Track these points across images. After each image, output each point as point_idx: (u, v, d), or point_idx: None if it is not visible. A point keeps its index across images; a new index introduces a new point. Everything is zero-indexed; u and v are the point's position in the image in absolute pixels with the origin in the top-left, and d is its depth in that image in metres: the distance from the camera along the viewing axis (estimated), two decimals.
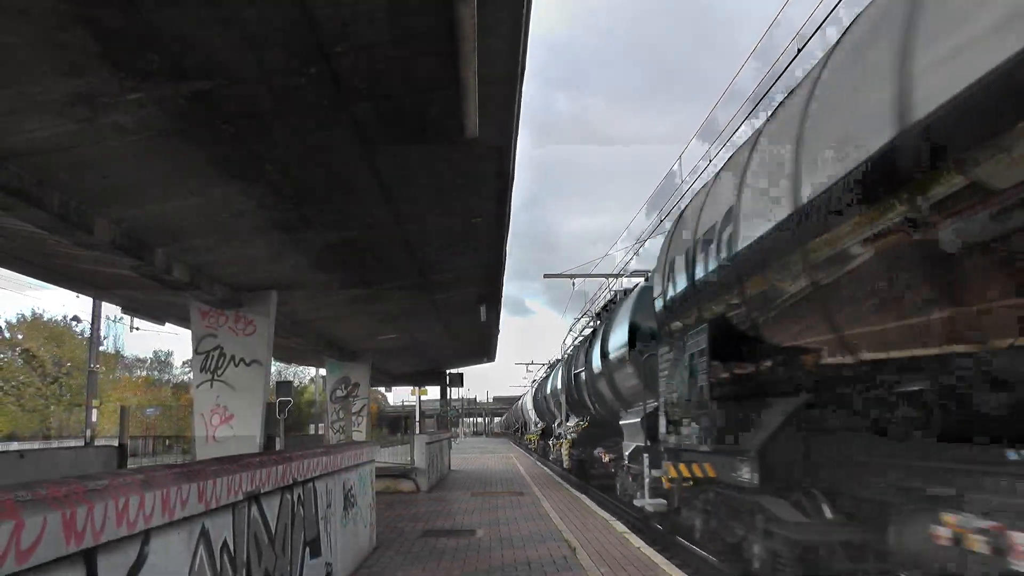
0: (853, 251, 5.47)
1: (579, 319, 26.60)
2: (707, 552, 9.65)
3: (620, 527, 11.58)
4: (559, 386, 28.41)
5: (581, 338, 26.40)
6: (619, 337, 16.57)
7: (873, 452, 6.30)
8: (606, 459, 18.32)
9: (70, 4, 5.38)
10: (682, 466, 9.16)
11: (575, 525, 11.73)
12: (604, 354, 18.23)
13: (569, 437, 24.27)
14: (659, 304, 11.39)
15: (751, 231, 7.39)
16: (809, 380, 7.07)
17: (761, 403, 7.90)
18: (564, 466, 25.02)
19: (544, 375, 42.38)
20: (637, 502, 11.78)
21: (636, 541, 10.19)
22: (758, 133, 7.97)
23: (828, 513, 6.84)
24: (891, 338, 5.32)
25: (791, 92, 7.33)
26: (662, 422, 10.51)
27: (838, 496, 6.84)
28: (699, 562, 10.53)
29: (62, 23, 5.57)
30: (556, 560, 8.88)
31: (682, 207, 10.27)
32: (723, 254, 8.26)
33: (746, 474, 7.64)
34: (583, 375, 21.70)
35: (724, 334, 8.33)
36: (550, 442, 31.17)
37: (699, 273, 9.19)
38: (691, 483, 9.12)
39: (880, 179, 4.92)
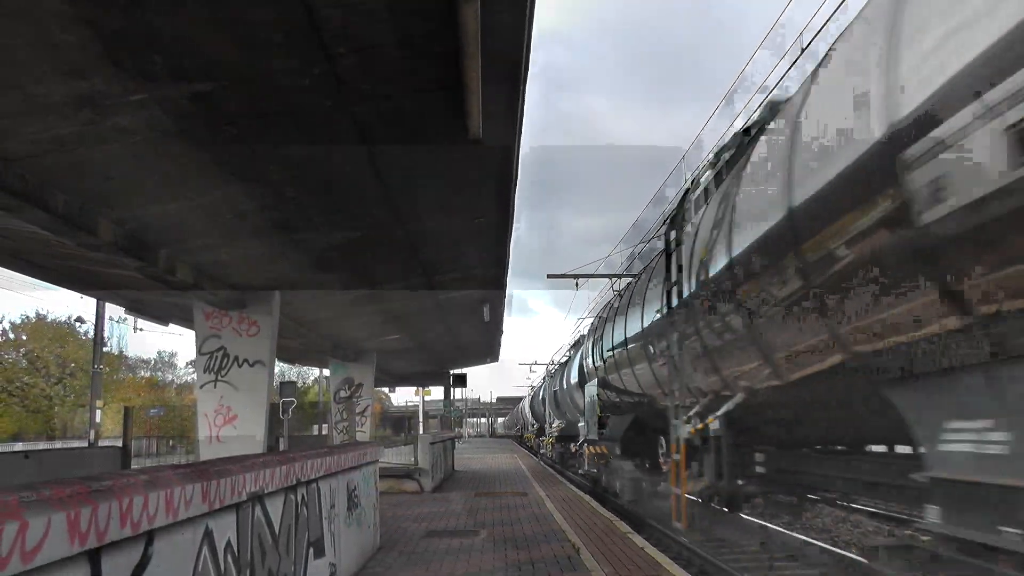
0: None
1: (560, 348, 36.60)
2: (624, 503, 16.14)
3: (624, 527, 11.58)
4: (546, 396, 38.42)
5: (559, 364, 37.56)
6: (575, 371, 26.00)
7: (656, 440, 14.81)
8: (574, 449, 26.25)
9: (72, 5, 5.39)
10: (594, 448, 18.79)
11: (578, 525, 11.73)
12: (569, 380, 28.15)
13: (552, 435, 33.32)
14: (587, 361, 21.56)
15: (608, 345, 17.47)
16: (636, 408, 15.97)
17: (621, 418, 17.54)
18: (549, 455, 34.50)
19: (539, 384, 52.40)
20: (581, 470, 22.02)
21: (639, 541, 10.18)
22: (629, 295, 16.55)
23: (647, 465, 15.87)
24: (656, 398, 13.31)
25: (642, 272, 16.75)
26: (587, 426, 20.12)
27: (649, 458, 15.84)
28: (702, 562, 10.53)
29: (64, 25, 5.58)
30: (560, 560, 8.88)
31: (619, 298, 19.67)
32: (599, 350, 19.03)
33: (617, 450, 16.94)
34: (558, 392, 31.76)
35: (604, 383, 18.17)
36: (541, 439, 40.95)
37: (596, 354, 19.37)
38: (600, 458, 18.60)
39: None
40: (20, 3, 5.34)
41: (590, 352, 20.74)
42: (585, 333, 25.81)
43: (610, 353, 16.97)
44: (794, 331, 7.01)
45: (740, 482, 10.69)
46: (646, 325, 13.14)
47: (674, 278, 10.51)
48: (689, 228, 10.44)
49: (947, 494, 4.96)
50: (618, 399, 17.13)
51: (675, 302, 10.46)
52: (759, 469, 10.37)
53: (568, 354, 32.05)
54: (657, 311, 11.79)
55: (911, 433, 5.62)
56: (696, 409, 10.04)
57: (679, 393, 10.39)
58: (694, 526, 10.94)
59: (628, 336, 15.00)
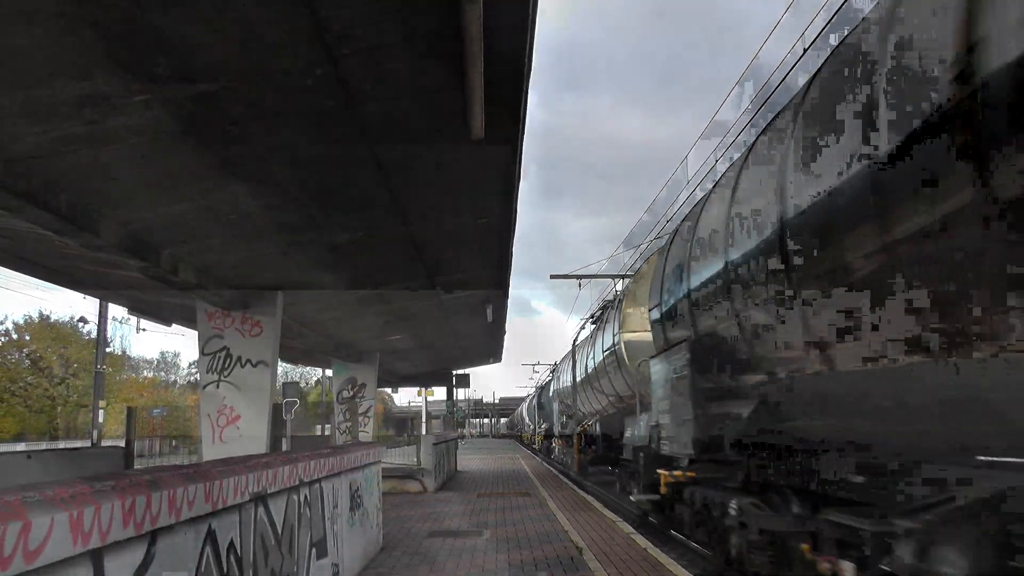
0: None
1: (560, 360, 45.01)
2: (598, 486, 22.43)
3: (627, 528, 11.58)
4: (535, 405, 52.99)
5: (544, 383, 50.14)
6: (552, 390, 39.09)
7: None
8: (551, 443, 38.88)
9: (77, 7, 5.40)
10: (559, 440, 34.11)
11: (582, 526, 11.73)
12: (548, 395, 41.11)
13: (540, 433, 47.35)
14: (555, 386, 36.52)
15: (561, 380, 33.49)
16: (575, 419, 28.09)
17: (571, 422, 28.69)
18: (537, 447, 48.65)
19: (534, 393, 64.13)
20: (552, 455, 37.02)
21: (643, 541, 10.18)
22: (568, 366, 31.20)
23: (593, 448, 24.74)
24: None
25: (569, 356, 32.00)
26: (556, 427, 35.13)
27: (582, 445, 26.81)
28: (705, 563, 10.52)
29: (69, 26, 5.59)
30: (563, 560, 8.88)
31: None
32: (557, 382, 36.43)
33: (568, 442, 29.41)
34: (544, 403, 44.60)
35: (561, 402, 32.64)
36: (534, 436, 54.58)
37: (557, 384, 35.96)
38: (561, 447, 32.35)
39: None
40: (23, 4, 5.35)
41: (556, 381, 36.53)
42: (558, 363, 39.89)
43: (561, 386, 32.90)
44: (588, 407, 24.65)
45: (611, 454, 20.54)
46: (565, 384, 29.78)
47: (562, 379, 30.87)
48: (566, 366, 29.40)
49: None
50: (568, 412, 29.40)
51: (576, 380, 26.26)
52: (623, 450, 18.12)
53: (550, 375, 46.52)
54: (566, 383, 29.21)
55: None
56: (585, 421, 25.27)
57: (577, 413, 26.91)
58: (583, 472, 24.37)
59: (565, 382, 30.06)
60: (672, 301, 10.33)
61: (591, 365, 22.40)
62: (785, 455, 7.28)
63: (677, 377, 9.78)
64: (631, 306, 16.95)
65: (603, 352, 19.96)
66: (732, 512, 8.29)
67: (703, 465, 9.58)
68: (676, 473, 10.34)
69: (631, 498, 13.83)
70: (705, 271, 8.65)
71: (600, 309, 23.78)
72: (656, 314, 11.43)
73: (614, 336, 18.18)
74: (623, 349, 17.39)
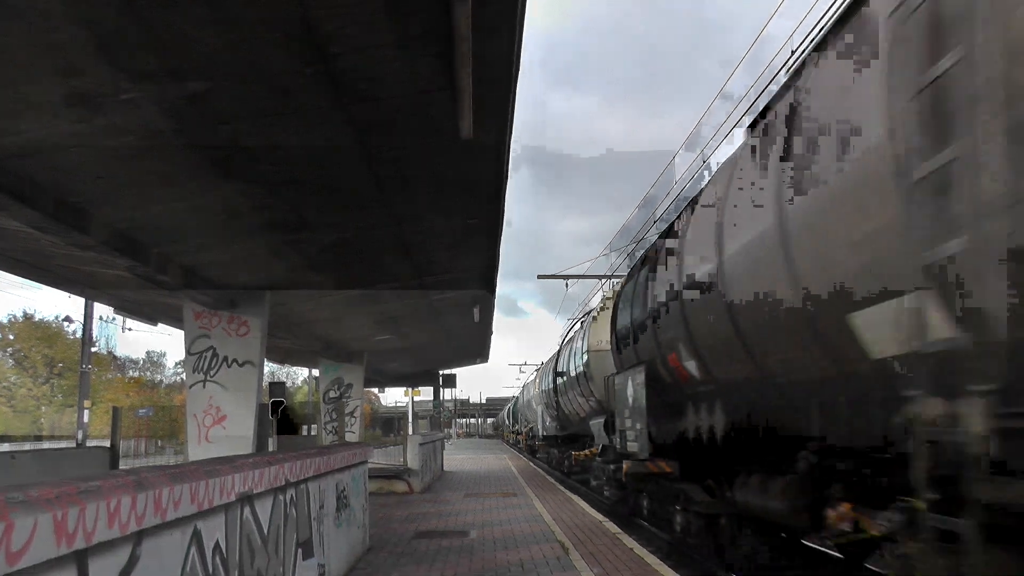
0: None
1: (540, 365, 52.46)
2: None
3: (613, 528, 11.60)
4: (513, 410, 66.51)
5: (519, 393, 61.78)
6: (524, 400, 52.22)
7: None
8: (519, 438, 52.11)
9: (66, 4, 5.37)
10: (524, 435, 46.93)
11: (568, 526, 11.75)
12: (521, 404, 53.45)
13: (515, 430, 59.67)
14: (523, 400, 53.76)
15: (526, 395, 50.47)
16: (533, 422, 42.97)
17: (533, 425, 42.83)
18: (512, 441, 61.89)
19: (514, 399, 74.82)
20: (520, 447, 51.78)
21: (629, 542, 10.21)
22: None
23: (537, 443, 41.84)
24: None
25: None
26: (522, 428, 52.54)
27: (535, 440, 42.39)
28: (690, 560, 10.56)
29: (58, 23, 5.55)
30: (549, 560, 8.89)
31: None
32: (525, 397, 52.41)
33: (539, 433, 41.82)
34: (518, 410, 56.00)
35: (529, 409, 45.72)
36: (513, 432, 67.18)
37: (523, 398, 53.37)
38: (527, 441, 45.14)
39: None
40: (14, 1, 5.31)
41: (526, 395, 47.77)
42: (529, 382, 50.23)
43: (520, 404, 53.44)
44: (531, 417, 41.36)
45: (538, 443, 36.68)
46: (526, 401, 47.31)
47: (520, 401, 55.71)
48: (522, 396, 54.52)
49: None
50: (525, 419, 44.61)
51: (525, 404, 47.87)
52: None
53: (525, 386, 57.65)
54: (522, 404, 51.64)
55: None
56: (528, 425, 43.23)
57: (524, 421, 48.59)
58: (536, 455, 38.56)
59: (522, 403, 51.94)
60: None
61: (527, 400, 42.75)
62: (533, 438, 35.68)
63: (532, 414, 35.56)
64: (533, 380, 36.31)
65: (529, 397, 40.30)
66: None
67: (548, 439, 31.41)
68: (537, 443, 36.59)
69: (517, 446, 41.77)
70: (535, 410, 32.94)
71: (536, 370, 42.78)
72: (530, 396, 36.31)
73: (531, 392, 38.66)
74: (532, 401, 36.38)
